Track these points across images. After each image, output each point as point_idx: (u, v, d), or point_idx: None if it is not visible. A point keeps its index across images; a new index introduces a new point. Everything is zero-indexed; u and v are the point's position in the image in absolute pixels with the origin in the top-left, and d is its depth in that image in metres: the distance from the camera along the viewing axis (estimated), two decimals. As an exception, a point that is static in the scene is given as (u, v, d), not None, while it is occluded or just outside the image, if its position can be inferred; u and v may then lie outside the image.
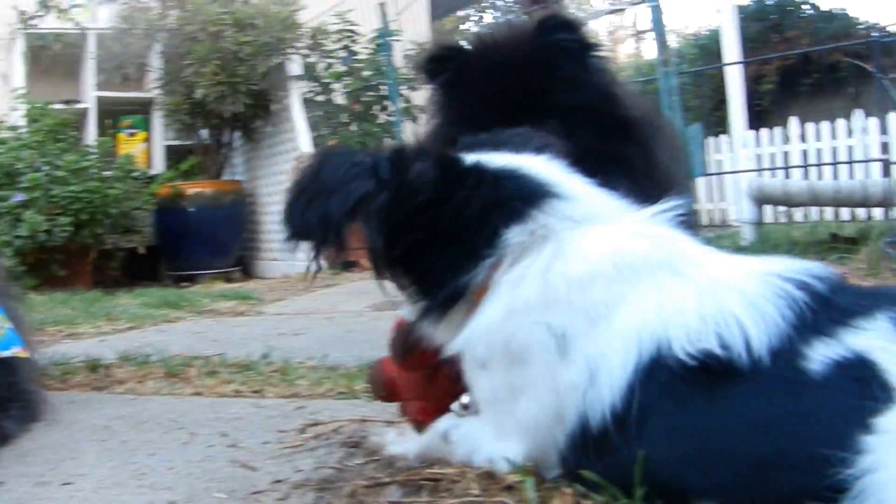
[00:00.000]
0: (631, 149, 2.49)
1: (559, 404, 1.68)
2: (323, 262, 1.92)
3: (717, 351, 1.54)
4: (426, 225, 1.82)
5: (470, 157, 1.88)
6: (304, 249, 1.93)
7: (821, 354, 1.50)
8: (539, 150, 1.96)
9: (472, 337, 1.78)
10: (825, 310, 1.57)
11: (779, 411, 1.49)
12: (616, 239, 1.76)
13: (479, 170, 1.85)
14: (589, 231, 1.78)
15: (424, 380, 2.15)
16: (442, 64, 2.61)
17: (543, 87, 2.44)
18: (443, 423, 2.01)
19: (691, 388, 1.56)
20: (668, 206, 1.82)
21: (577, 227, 1.78)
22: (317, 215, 1.81)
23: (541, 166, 1.88)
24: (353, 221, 1.80)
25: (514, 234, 1.77)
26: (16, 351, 2.84)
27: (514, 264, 1.76)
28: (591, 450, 1.65)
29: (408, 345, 2.18)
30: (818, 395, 1.47)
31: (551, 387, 1.68)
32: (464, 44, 2.69)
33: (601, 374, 1.63)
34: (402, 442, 2.14)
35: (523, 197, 1.81)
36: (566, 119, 2.34)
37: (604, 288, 1.69)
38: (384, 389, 2.30)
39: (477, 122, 2.22)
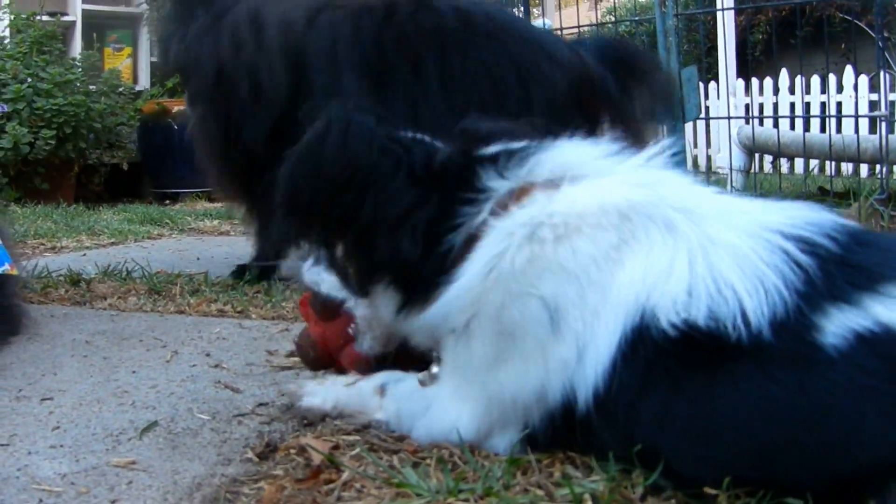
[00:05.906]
0: None
1: (545, 382, 1.56)
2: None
3: (702, 323, 1.39)
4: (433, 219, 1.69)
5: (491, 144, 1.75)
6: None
7: (837, 325, 1.32)
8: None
9: (455, 305, 1.63)
10: (842, 271, 1.40)
11: (785, 392, 1.33)
12: (608, 189, 1.63)
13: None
14: (580, 183, 1.65)
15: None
16: None
17: None
18: (380, 375, 1.90)
19: (685, 367, 1.41)
20: (662, 147, 1.70)
21: (567, 179, 1.66)
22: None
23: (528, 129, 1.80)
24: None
25: (499, 185, 1.66)
26: (6, 268, 2.82)
27: (499, 218, 1.63)
28: (576, 431, 1.55)
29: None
30: (832, 372, 1.30)
31: (541, 363, 1.56)
32: None
33: (588, 352, 1.50)
34: (321, 391, 1.97)
35: (509, 152, 1.70)
36: None
37: (593, 243, 1.55)
38: (316, 347, 2.17)
39: None
